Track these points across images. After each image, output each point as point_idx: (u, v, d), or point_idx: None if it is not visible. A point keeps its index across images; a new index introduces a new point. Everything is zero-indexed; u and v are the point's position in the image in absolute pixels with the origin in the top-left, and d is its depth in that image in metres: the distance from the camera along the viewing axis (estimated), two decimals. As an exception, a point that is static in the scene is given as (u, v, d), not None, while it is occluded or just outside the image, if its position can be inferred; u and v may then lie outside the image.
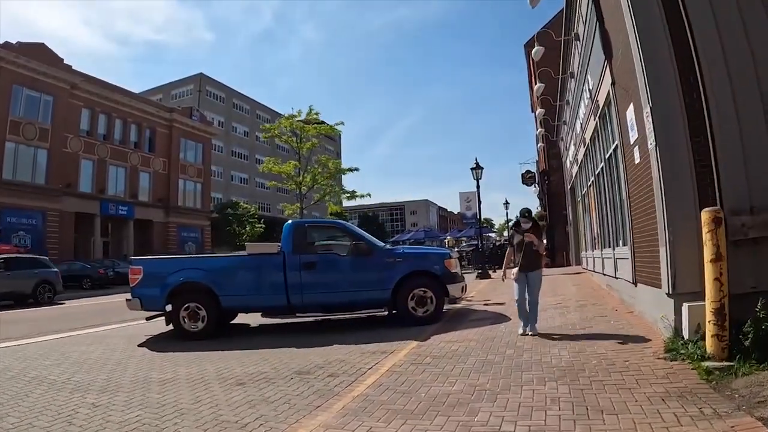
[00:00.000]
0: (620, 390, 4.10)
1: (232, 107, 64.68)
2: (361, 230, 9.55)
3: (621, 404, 3.78)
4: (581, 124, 12.16)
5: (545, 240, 28.98)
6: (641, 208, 6.43)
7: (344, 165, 34.73)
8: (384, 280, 8.52)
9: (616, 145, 8.19)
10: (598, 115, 9.46)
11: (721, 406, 3.55)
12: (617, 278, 9.03)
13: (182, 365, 6.41)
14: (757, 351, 4.30)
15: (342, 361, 6.15)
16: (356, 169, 32.87)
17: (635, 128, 6.37)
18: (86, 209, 34.82)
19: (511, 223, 9.33)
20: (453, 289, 8.64)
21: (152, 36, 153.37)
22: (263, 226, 46.28)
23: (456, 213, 78.91)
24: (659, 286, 5.58)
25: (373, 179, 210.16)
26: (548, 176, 26.03)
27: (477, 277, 19.76)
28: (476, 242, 28.49)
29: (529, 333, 6.65)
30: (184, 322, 8.46)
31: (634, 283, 7.28)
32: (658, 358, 4.89)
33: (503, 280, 7.55)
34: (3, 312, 15.13)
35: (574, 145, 14.84)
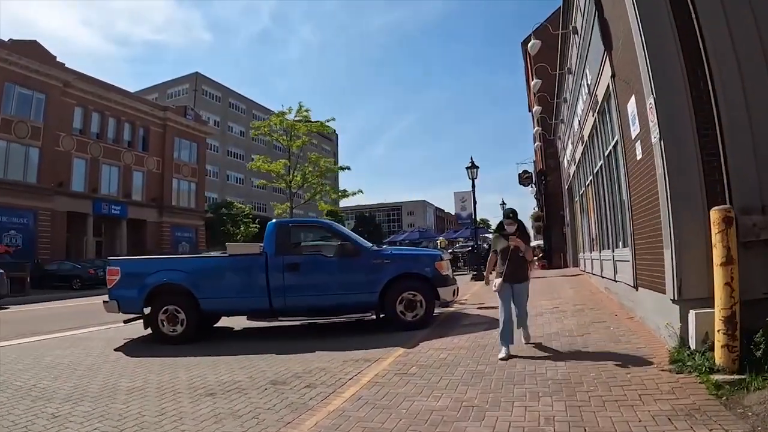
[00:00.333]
0: (622, 407, 3.70)
1: (228, 107, 64.40)
2: (347, 230, 9.18)
3: (623, 424, 3.39)
4: (579, 121, 11.77)
5: (540, 242, 28.89)
6: (643, 207, 6.02)
7: (343, 165, 34.30)
8: (371, 282, 8.12)
9: (616, 141, 7.79)
10: (596, 110, 9.07)
11: (734, 426, 3.19)
12: (616, 281, 8.63)
13: (155, 372, 6.11)
14: (769, 362, 3.89)
15: (322, 369, 5.78)
16: (347, 168, 32.49)
17: (637, 122, 5.97)
18: (78, 209, 34.35)
19: (494, 226, 8.19)
20: (444, 293, 8.22)
21: (151, 36, 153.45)
22: (258, 226, 45.77)
23: (453, 214, 78.59)
24: (663, 291, 5.17)
25: (371, 180, 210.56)
26: (545, 176, 25.63)
27: (472, 279, 19.33)
28: (472, 243, 28.06)
29: (525, 342, 6.05)
30: (163, 325, 8.18)
31: (635, 287, 6.86)
32: (663, 370, 4.48)
33: (486, 284, 6.53)
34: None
35: (572, 143, 14.46)
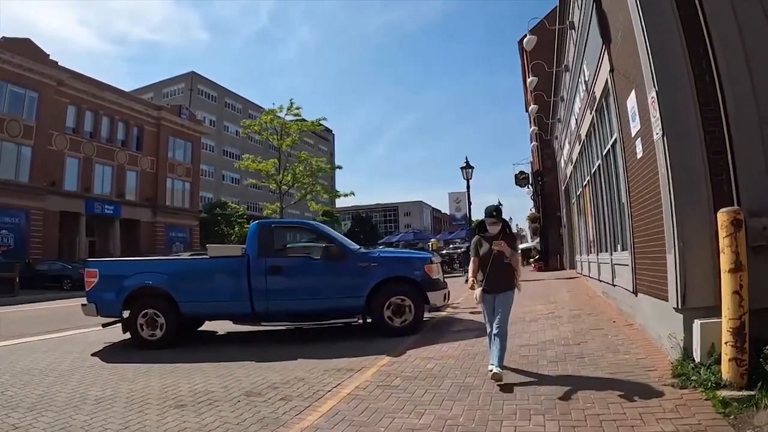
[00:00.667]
0: (621, 428, 3.36)
1: (223, 106, 64.08)
2: (333, 232, 8.81)
3: (622, 449, 3.03)
4: (576, 119, 11.43)
5: (537, 243, 28.48)
6: (644, 208, 5.66)
7: (340, 166, 33.94)
8: (357, 286, 7.76)
9: (615, 140, 7.44)
10: (594, 108, 8.73)
11: (746, 451, 2.83)
12: (614, 286, 8.28)
13: (128, 380, 5.84)
14: (780, 378, 3.56)
15: (301, 380, 5.45)
16: (339, 167, 32.13)
17: (637, 118, 5.62)
18: (71, 208, 33.93)
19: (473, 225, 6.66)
20: (434, 297, 7.86)
21: (148, 36, 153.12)
22: (252, 226, 45.42)
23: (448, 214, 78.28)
24: (665, 298, 4.81)
25: (371, 180, 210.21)
26: (542, 177, 25.26)
27: (466, 281, 18.93)
28: (467, 245, 27.65)
29: (496, 370, 4.60)
30: (142, 329, 7.90)
31: (635, 292, 6.50)
32: (665, 385, 4.12)
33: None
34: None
35: (569, 143, 14.12)
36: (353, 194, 32.54)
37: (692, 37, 4.59)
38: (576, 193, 14.81)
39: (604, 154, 8.74)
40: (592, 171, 10.38)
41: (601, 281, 10.05)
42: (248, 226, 43.81)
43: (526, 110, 28.41)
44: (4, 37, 30.23)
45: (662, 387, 4.09)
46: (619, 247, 8.18)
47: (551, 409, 3.84)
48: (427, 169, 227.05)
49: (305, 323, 8.33)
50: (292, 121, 29.13)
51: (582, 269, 14.49)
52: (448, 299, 8.67)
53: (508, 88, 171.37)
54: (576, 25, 9.46)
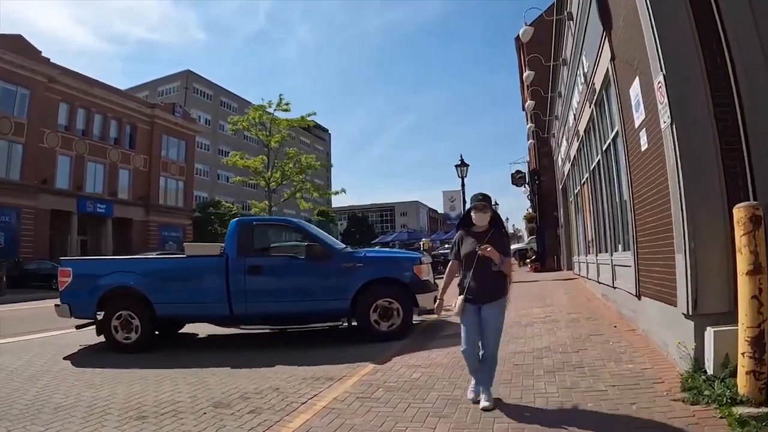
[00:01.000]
0: (627, 453, 2.93)
1: (219, 105, 63.54)
2: (318, 230, 8.34)
3: (629, 480, 2.60)
4: (574, 115, 11.02)
5: (525, 244, 27.71)
6: (649, 204, 5.23)
7: (331, 164, 33.44)
8: (341, 288, 7.31)
9: (616, 132, 7.01)
10: (594, 101, 8.32)
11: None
12: (615, 288, 7.85)
13: (94, 386, 5.48)
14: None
15: (276, 389, 5.03)
16: (330, 165, 31.60)
17: (641, 107, 5.20)
18: (63, 206, 33.47)
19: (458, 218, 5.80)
20: (424, 300, 7.36)
21: (146, 35, 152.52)
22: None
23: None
24: (673, 303, 4.38)
25: (371, 180, 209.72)
26: (539, 176, 24.82)
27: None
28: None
29: (484, 403, 3.87)
30: (116, 332, 7.50)
31: (637, 295, 6.07)
32: (674, 400, 3.68)
33: (437, 313, 4.68)
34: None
35: (567, 140, 13.71)
36: (344, 191, 31.91)
37: (701, 15, 4.18)
38: (574, 191, 14.40)
39: (604, 149, 8.33)
40: (591, 167, 9.96)
41: (600, 283, 9.63)
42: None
43: (523, 108, 27.99)
44: (-5, 33, 29.79)
45: (671, 402, 3.66)
46: (620, 247, 7.75)
47: (547, 428, 3.40)
48: (426, 169, 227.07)
49: (288, 326, 7.88)
50: (281, 117, 28.58)
51: (580, 270, 14.07)
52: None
53: (508, 88, 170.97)
54: (574, 15, 9.05)
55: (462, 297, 3.97)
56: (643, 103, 5.15)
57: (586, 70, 8.60)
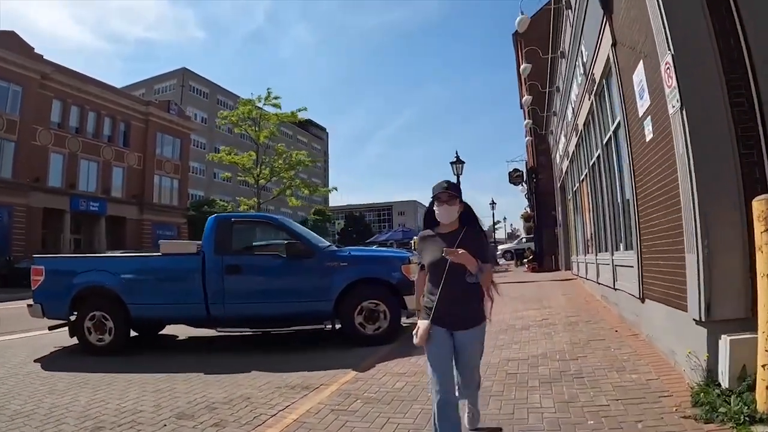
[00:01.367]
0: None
1: (215, 103, 63.03)
2: (300, 227, 7.92)
3: None
4: (573, 109, 10.59)
5: (516, 244, 27.16)
6: (655, 200, 4.80)
7: (327, 162, 32.99)
8: (324, 288, 6.89)
9: (618, 124, 6.58)
10: (593, 92, 7.89)
11: None
12: (616, 289, 7.42)
13: (57, 392, 5.21)
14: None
15: (247, 399, 4.64)
16: (321, 160, 31.18)
17: (646, 93, 4.79)
18: (55, 205, 33.11)
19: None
20: (412, 302, 6.96)
21: (144, 34, 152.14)
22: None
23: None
24: (682, 308, 3.95)
25: (370, 180, 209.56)
26: (536, 174, 24.39)
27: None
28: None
29: (467, 427, 3.35)
30: (89, 333, 7.19)
31: (641, 298, 5.63)
32: (685, 417, 3.26)
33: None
34: None
35: (565, 135, 13.29)
36: (336, 189, 31.40)
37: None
38: (572, 188, 13.98)
39: (604, 142, 7.90)
40: (591, 163, 9.54)
41: (600, 284, 9.21)
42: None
43: (521, 106, 27.58)
44: (-13, 29, 29.41)
45: (681, 420, 3.24)
46: (621, 246, 7.33)
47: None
48: (426, 168, 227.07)
49: (269, 329, 7.46)
50: (271, 112, 28.14)
51: (578, 270, 13.66)
52: None
53: (507, 88, 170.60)
54: (573, 2, 8.63)
55: (426, 323, 2.90)
56: (647, 89, 4.73)
57: (585, 60, 8.18)
